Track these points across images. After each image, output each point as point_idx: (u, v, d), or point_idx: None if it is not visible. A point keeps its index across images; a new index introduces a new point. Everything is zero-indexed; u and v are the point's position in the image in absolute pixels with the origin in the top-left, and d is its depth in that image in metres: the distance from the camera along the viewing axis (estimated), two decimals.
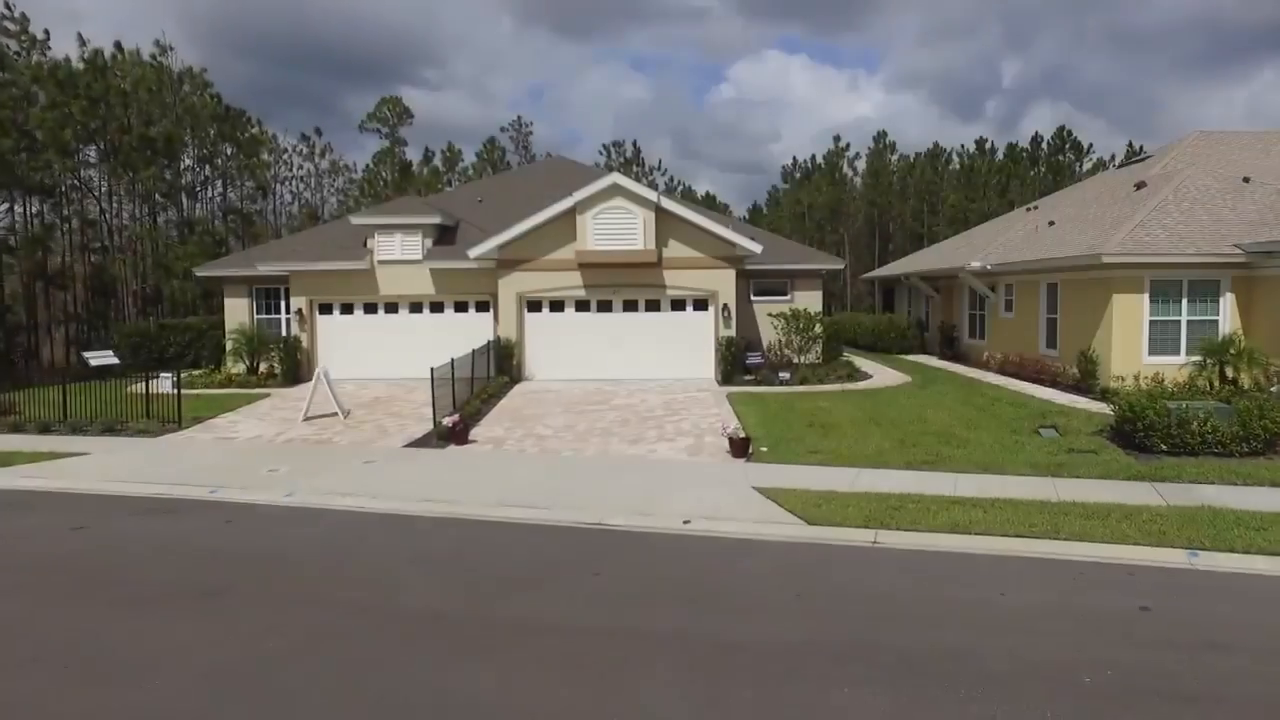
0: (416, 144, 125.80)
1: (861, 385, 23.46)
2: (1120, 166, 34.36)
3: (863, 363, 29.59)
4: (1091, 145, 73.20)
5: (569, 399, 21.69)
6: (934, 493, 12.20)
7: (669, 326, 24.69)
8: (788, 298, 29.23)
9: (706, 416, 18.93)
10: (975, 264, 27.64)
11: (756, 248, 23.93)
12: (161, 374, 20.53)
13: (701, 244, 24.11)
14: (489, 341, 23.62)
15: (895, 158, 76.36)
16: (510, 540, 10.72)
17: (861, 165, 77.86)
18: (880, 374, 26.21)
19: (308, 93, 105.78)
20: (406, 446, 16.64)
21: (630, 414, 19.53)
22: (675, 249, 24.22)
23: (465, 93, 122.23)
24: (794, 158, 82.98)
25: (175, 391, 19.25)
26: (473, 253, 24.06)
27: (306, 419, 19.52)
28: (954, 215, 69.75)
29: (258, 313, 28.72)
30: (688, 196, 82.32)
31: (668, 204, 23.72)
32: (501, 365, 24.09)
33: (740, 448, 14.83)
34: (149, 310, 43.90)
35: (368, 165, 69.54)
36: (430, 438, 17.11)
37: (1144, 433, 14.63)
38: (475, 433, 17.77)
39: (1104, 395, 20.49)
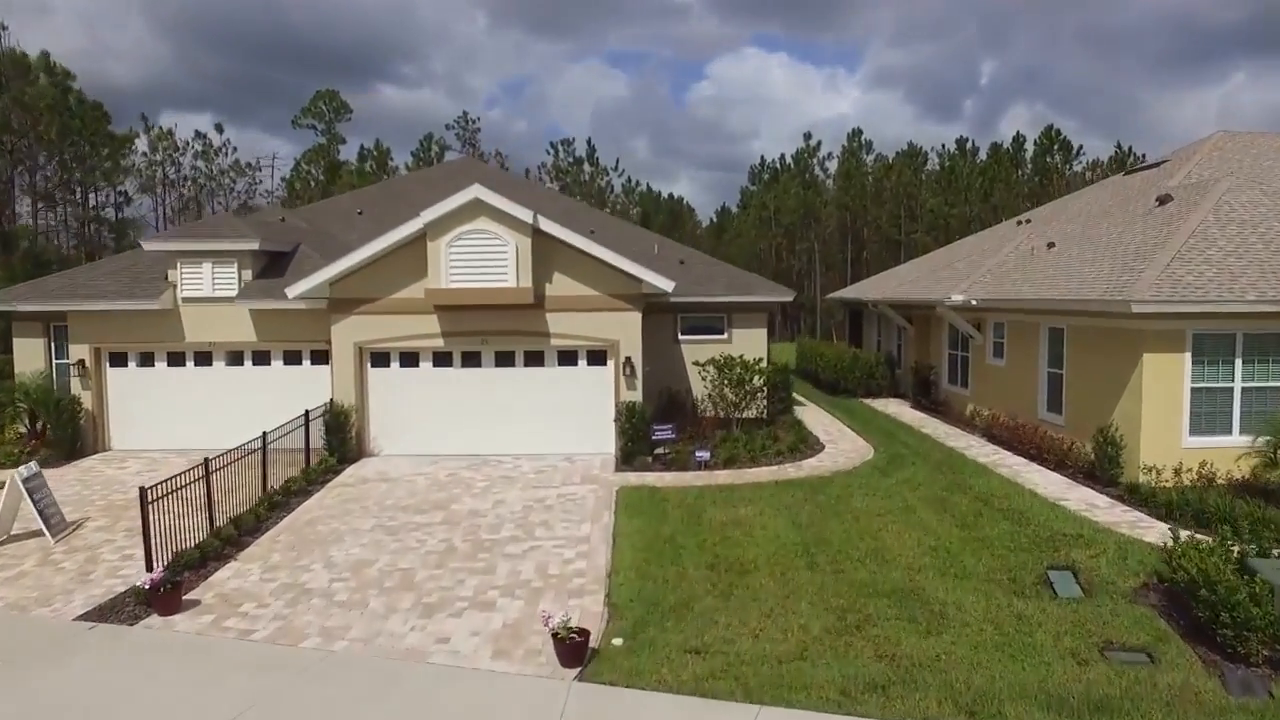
0: (398, 142, 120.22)
1: (807, 467, 17.70)
2: (1129, 172, 28.81)
3: (818, 417, 23.85)
4: (1081, 147, 67.95)
5: (401, 496, 15.82)
6: None
7: (556, 386, 18.86)
8: (724, 337, 23.55)
9: (569, 543, 13.10)
10: (956, 297, 21.95)
11: (666, 284, 18.11)
12: None
13: (597, 278, 18.29)
14: (304, 413, 17.65)
15: (871, 158, 70.84)
16: None
17: (834, 166, 72.32)
18: (836, 441, 20.45)
19: (283, 89, 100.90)
20: (79, 619, 10.70)
21: (467, 532, 13.71)
22: (562, 285, 18.38)
23: (443, 89, 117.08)
24: (761, 157, 77.51)
25: None
26: (292, 291, 18.12)
27: None
28: (933, 221, 64.43)
29: (58, 357, 22.62)
30: (648, 200, 76.60)
31: (549, 226, 17.86)
32: (334, 439, 18.15)
33: (571, 653, 9.00)
34: None
35: (295, 163, 63.51)
36: (128, 599, 11.19)
37: (1228, 625, 8.88)
38: (218, 578, 11.93)
39: (1132, 493, 14.88)
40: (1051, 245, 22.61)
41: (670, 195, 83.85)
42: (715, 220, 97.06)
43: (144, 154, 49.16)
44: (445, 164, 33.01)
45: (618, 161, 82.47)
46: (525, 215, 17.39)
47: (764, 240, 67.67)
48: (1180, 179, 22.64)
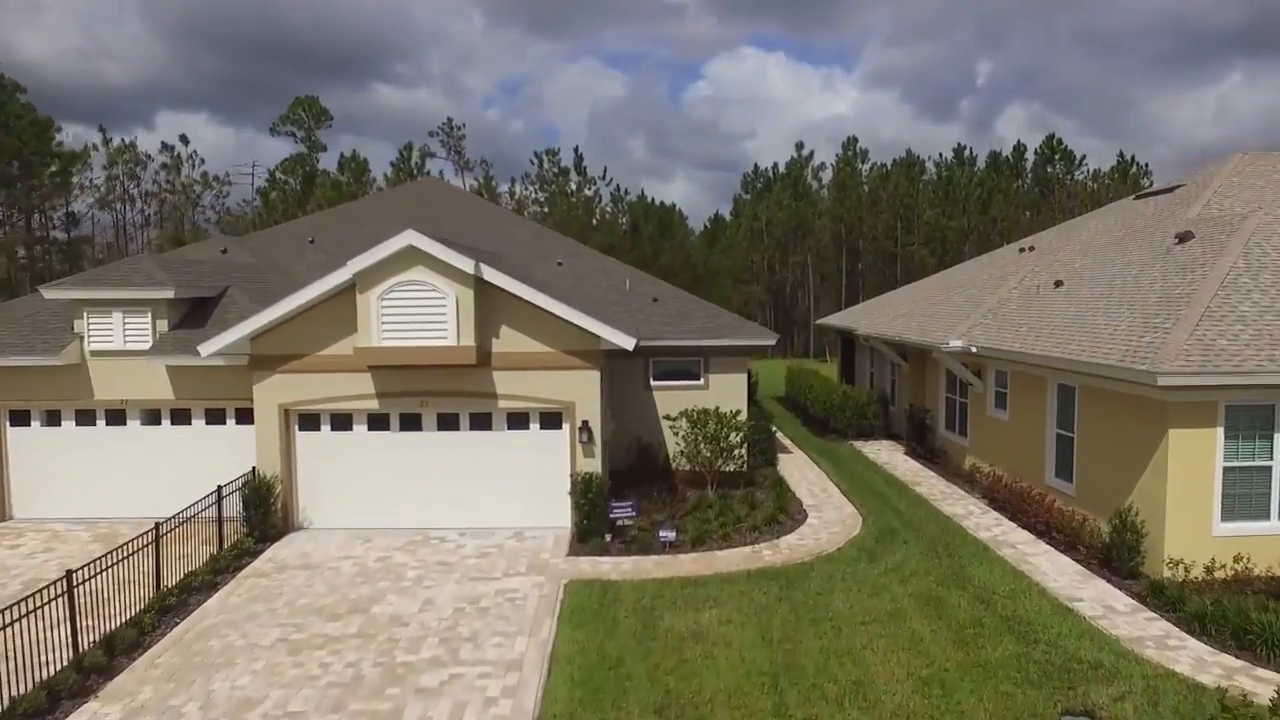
0: (396, 140, 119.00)
1: (785, 547, 15.70)
2: (1140, 196, 26.85)
3: (802, 471, 21.85)
4: (1085, 157, 65.76)
5: (320, 592, 13.79)
6: None
7: (505, 451, 16.85)
8: (700, 383, 21.54)
9: (498, 670, 11.09)
10: (954, 343, 19.97)
11: (627, 342, 16.09)
12: None
13: (550, 332, 16.28)
14: (216, 489, 15.60)
15: (867, 167, 68.78)
16: None
17: (828, 175, 70.27)
18: (820, 507, 18.45)
19: (279, 88, 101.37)
20: None
21: (382, 649, 11.70)
22: (511, 340, 16.38)
23: (439, 89, 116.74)
24: (755, 165, 75.41)
25: None
26: (206, 349, 16.11)
27: None
28: (930, 233, 62.43)
29: None
30: (638, 209, 74.49)
31: (494, 276, 15.84)
32: (255, 514, 16.12)
33: None
34: None
35: (271, 174, 61.39)
36: None
37: None
38: None
39: (1156, 593, 12.88)
40: (1059, 284, 20.63)
41: (662, 203, 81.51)
42: (709, 226, 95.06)
43: (104, 167, 47.27)
44: (409, 185, 30.94)
45: (605, 170, 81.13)
46: (466, 264, 15.37)
47: (756, 252, 65.66)
48: (1199, 209, 20.65)
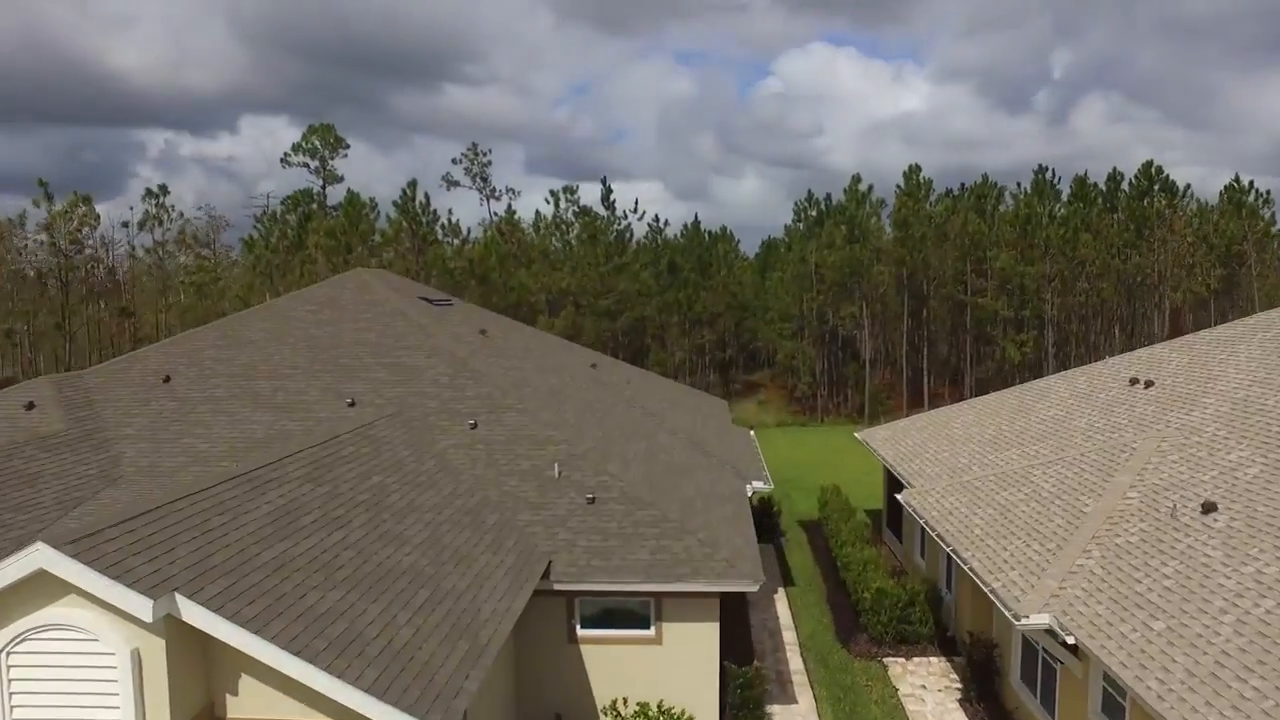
0: (463, 139, 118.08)
1: None
2: None
3: None
4: (1189, 187, 55.80)
5: None
6: None
7: None
8: (649, 633, 14.68)
9: None
10: (1037, 619, 12.61)
11: None
12: None
13: (321, 697, 9.40)
14: None
15: (934, 198, 60.13)
16: None
17: (889, 206, 62.02)
18: None
19: (352, 91, 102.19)
20: None
21: None
22: (258, 699, 9.60)
23: (508, 88, 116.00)
24: (809, 191, 67.60)
25: None
26: None
27: None
28: (1005, 277, 53.89)
29: None
30: (677, 247, 67.33)
31: (201, 616, 9.01)
32: None
33: None
34: None
35: (258, 218, 55.99)
36: None
37: None
38: None
39: None
40: (1210, 508, 13.08)
41: (710, 231, 73.70)
42: (761, 253, 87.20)
43: (44, 227, 42.54)
44: (331, 281, 24.12)
45: (636, 203, 75.67)
46: (142, 607, 8.60)
47: (807, 299, 57.99)
48: None
